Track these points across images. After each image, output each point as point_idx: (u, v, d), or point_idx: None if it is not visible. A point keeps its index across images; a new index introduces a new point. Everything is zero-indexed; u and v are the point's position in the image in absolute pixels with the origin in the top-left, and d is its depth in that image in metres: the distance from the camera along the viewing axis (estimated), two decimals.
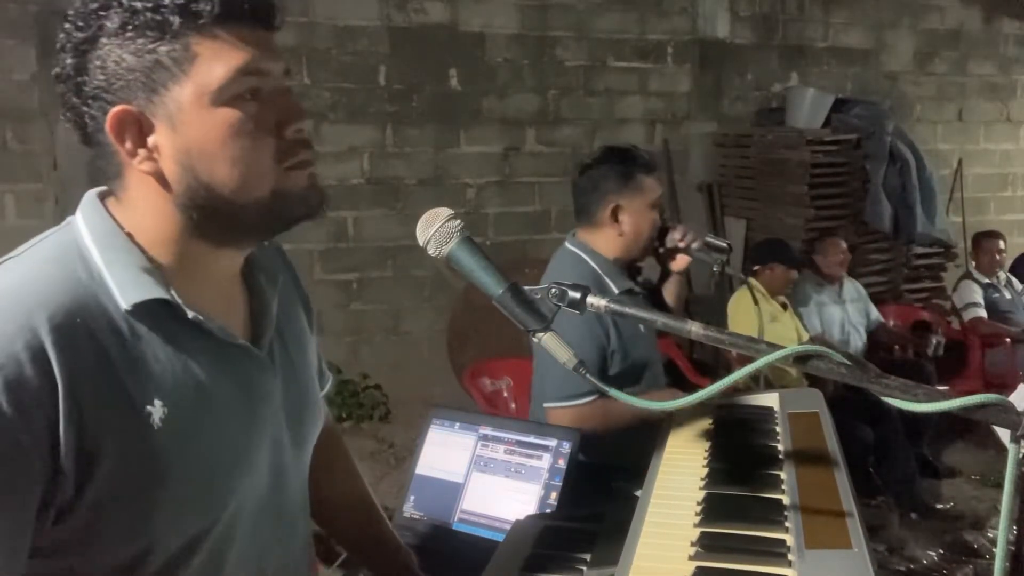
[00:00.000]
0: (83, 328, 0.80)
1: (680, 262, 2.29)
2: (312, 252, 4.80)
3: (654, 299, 2.35)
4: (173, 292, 0.86)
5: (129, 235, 0.87)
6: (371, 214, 4.92)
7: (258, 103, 0.86)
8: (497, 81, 5.10)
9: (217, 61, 0.83)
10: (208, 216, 0.87)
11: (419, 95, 4.94)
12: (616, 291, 2.14)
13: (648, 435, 1.42)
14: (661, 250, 2.27)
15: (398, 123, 4.92)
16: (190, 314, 0.86)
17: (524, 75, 5.16)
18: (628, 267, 2.28)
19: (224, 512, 0.90)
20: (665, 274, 2.36)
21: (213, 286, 0.92)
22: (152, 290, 0.84)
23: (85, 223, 0.87)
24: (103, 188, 0.90)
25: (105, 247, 0.85)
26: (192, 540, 0.88)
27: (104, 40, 0.82)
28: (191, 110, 0.83)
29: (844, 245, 4.46)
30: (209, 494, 0.88)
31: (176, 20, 0.81)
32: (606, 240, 2.21)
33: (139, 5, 0.81)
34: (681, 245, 2.23)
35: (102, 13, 0.82)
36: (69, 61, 0.84)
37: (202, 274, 0.90)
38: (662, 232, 2.24)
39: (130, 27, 0.81)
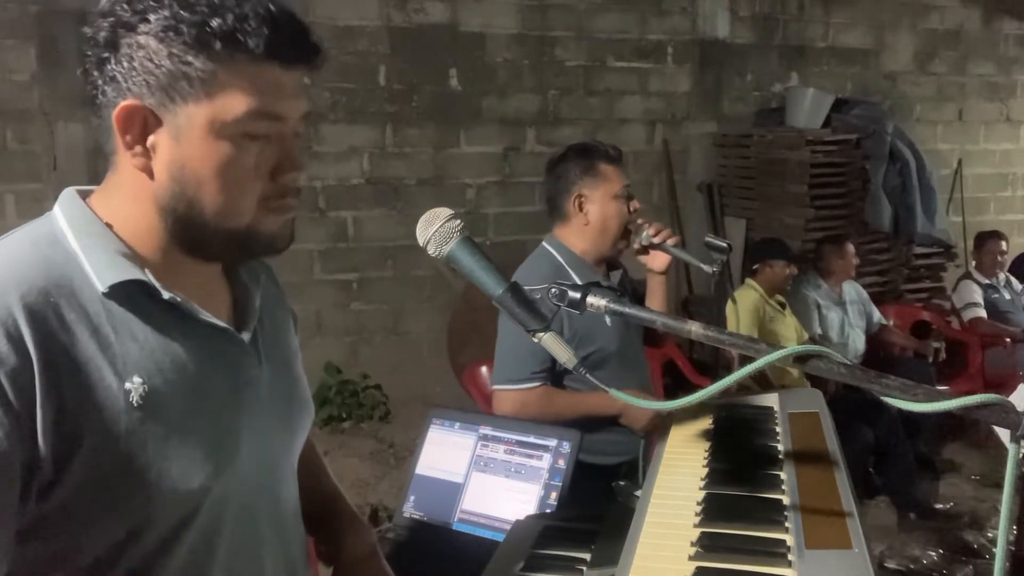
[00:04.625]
0: (57, 308, 0.81)
1: (658, 260, 2.19)
2: (312, 252, 4.80)
3: (636, 299, 2.30)
4: (149, 274, 0.87)
5: (108, 225, 0.88)
6: (371, 214, 4.92)
7: (260, 145, 0.87)
8: (497, 81, 5.10)
9: (239, 97, 0.84)
10: (182, 227, 0.89)
11: (419, 95, 4.94)
12: (579, 283, 2.11)
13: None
14: (636, 245, 2.18)
15: (398, 123, 4.92)
16: (166, 295, 0.87)
17: (524, 75, 5.16)
18: (605, 263, 2.26)
19: (209, 493, 0.90)
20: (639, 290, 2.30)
21: (192, 277, 0.93)
22: (128, 271, 0.85)
23: (63, 213, 0.89)
24: (83, 187, 0.93)
25: (82, 233, 0.87)
26: (179, 522, 0.88)
27: (144, 29, 0.83)
28: (198, 131, 0.85)
29: (853, 249, 4.40)
30: (192, 473, 0.87)
31: (219, 45, 0.82)
32: (575, 233, 2.23)
33: (187, 16, 0.82)
34: (656, 241, 2.14)
35: (153, 4, 0.83)
36: (103, 35, 0.84)
37: (181, 267, 0.92)
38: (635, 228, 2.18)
39: (172, 32, 0.82)
